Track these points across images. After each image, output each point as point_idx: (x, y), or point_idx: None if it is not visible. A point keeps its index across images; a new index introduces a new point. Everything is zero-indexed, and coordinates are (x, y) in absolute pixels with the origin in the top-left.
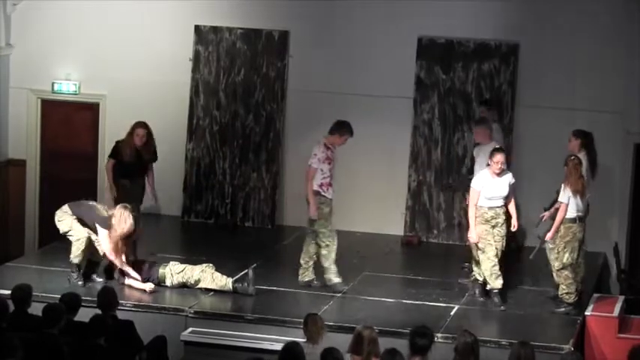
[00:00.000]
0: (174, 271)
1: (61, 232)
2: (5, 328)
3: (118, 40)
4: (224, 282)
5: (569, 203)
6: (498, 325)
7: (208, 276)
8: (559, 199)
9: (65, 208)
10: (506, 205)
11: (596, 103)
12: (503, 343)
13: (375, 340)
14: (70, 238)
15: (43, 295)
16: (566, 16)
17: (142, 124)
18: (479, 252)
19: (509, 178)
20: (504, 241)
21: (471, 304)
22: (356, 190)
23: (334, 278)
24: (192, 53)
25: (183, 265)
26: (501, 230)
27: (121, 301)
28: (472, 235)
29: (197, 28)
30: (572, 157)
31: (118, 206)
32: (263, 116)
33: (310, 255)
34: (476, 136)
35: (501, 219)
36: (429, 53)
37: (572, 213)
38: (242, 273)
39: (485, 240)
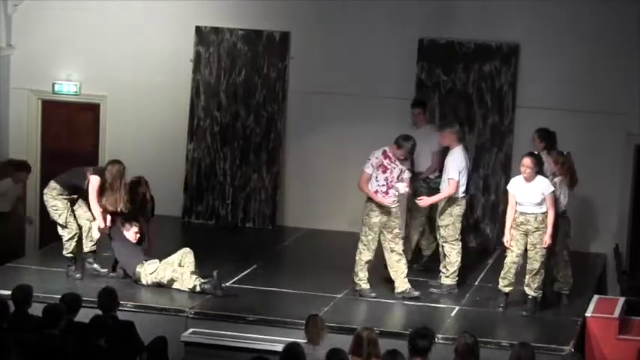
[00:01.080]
0: (147, 272)
1: (51, 217)
2: (5, 328)
3: (119, 40)
4: (192, 284)
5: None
6: (499, 326)
7: (179, 276)
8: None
9: (54, 185)
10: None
11: (596, 104)
12: (504, 344)
13: (375, 341)
14: (62, 233)
15: (44, 295)
16: (566, 16)
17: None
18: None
19: (542, 186)
20: (541, 250)
21: (471, 305)
22: (356, 191)
23: (363, 284)
24: (192, 54)
25: (156, 265)
26: (532, 238)
27: (121, 302)
28: (505, 238)
29: (198, 29)
30: (570, 154)
31: (111, 160)
32: (264, 117)
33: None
34: (442, 140)
35: (532, 226)
36: (429, 54)
37: (560, 207)
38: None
39: (509, 245)
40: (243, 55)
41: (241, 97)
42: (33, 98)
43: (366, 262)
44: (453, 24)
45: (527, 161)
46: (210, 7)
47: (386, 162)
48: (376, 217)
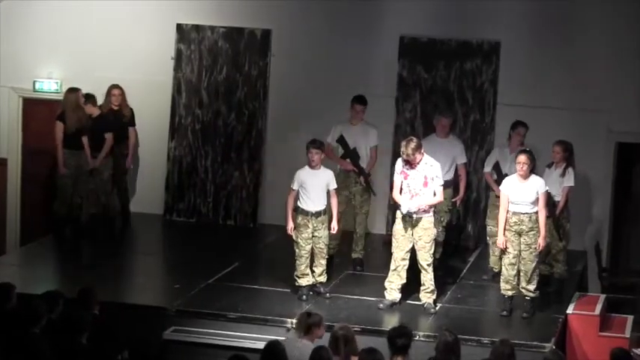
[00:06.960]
0: None
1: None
2: None
3: (100, 38)
4: None
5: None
6: (480, 323)
7: None
8: (569, 184)
9: None
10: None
11: (578, 102)
12: (485, 341)
13: (352, 339)
14: None
15: (25, 293)
16: (547, 14)
17: (116, 85)
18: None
19: (537, 185)
20: (535, 250)
21: (452, 302)
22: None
23: (385, 293)
24: (174, 52)
25: None
26: (526, 238)
27: (102, 300)
28: (499, 241)
29: (179, 26)
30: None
31: None
32: (245, 115)
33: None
34: (441, 130)
35: (526, 226)
36: (411, 52)
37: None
38: None
39: (505, 247)
40: (225, 53)
41: (223, 94)
42: (14, 96)
43: (392, 270)
44: (434, 22)
45: (523, 158)
46: (191, 5)
47: (405, 168)
48: (398, 225)
